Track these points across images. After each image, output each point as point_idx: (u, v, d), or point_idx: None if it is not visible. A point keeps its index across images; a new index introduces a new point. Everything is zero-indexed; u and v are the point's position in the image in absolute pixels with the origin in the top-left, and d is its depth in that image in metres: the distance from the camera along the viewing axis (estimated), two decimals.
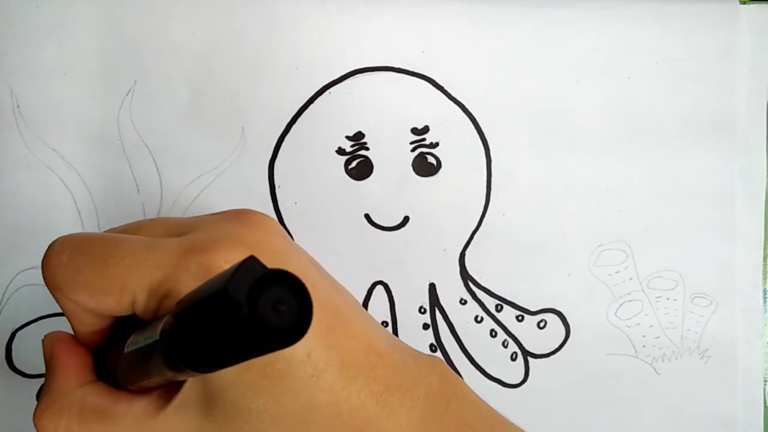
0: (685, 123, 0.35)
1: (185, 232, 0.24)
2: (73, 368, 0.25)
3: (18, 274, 0.34)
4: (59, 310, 0.33)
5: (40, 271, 0.33)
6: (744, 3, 0.35)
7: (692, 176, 0.35)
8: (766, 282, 0.36)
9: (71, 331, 0.26)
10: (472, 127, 0.35)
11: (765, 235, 0.36)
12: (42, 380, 0.33)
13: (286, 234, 0.26)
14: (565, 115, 0.35)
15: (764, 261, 0.36)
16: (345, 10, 0.35)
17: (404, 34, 0.35)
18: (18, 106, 0.34)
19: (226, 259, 0.22)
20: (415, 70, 0.35)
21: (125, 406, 0.23)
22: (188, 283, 0.21)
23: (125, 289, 0.22)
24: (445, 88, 0.35)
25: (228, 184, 0.35)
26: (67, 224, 0.34)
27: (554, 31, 0.35)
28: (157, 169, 0.34)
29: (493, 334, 0.35)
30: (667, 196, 0.35)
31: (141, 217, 0.34)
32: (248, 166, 0.35)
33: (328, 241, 0.35)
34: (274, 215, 0.35)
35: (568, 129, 0.35)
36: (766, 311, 0.36)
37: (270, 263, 0.19)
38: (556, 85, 0.35)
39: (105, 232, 0.27)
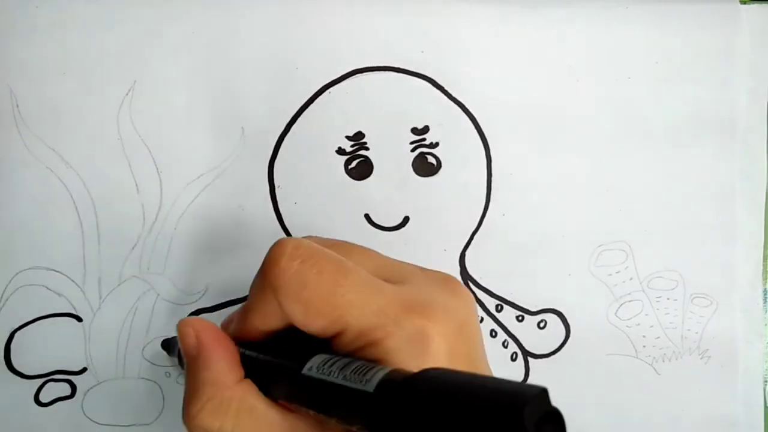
0: (685, 123, 0.35)
1: (394, 277, 0.25)
2: (229, 361, 0.24)
3: (17, 274, 0.34)
4: (59, 311, 0.34)
5: (39, 271, 0.34)
6: (744, 3, 0.35)
7: (692, 176, 0.35)
8: (766, 282, 0.36)
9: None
10: (472, 127, 0.35)
11: (765, 235, 0.36)
12: (41, 381, 0.34)
13: (478, 310, 0.27)
14: (566, 115, 0.35)
15: (764, 261, 0.36)
16: (345, 9, 0.35)
17: (404, 34, 0.35)
18: (17, 106, 0.34)
19: (439, 331, 0.22)
20: (416, 70, 0.35)
21: (279, 418, 0.23)
22: (399, 341, 0.22)
23: (340, 321, 0.23)
24: (446, 88, 0.35)
25: (228, 184, 0.34)
26: (66, 224, 0.34)
27: (554, 31, 0.35)
28: (157, 168, 0.34)
29: (493, 334, 0.35)
30: (667, 196, 0.35)
31: (140, 218, 0.34)
32: (248, 166, 0.35)
33: None
34: (273, 215, 0.35)
35: (568, 129, 0.35)
36: (766, 311, 0.36)
37: (468, 345, 0.22)
38: (557, 85, 0.35)
39: (318, 238, 0.27)
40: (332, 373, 0.21)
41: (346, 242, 0.27)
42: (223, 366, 0.24)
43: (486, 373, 0.24)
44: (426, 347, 0.22)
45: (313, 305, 0.23)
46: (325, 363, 0.22)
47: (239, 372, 0.24)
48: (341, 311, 0.23)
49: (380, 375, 0.20)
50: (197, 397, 0.24)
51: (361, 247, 0.27)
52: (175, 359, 0.32)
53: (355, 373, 0.21)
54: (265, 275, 0.24)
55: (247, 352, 0.25)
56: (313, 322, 0.23)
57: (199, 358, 0.24)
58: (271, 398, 0.24)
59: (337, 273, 0.23)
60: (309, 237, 0.28)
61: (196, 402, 0.23)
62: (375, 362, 0.22)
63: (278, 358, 0.24)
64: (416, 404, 0.18)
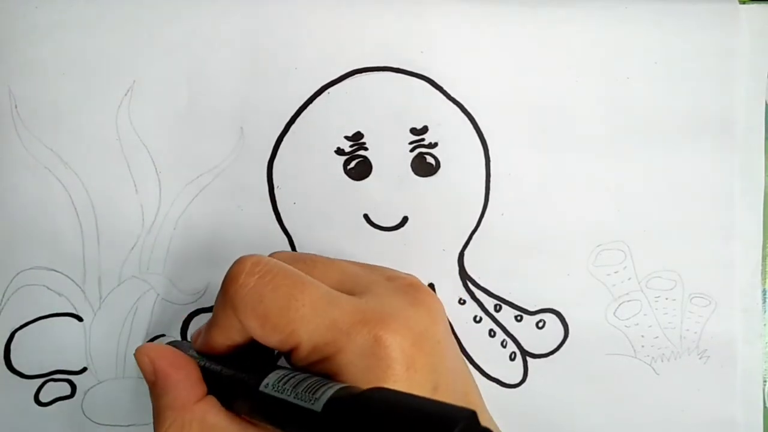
0: (684, 123, 0.35)
1: (358, 287, 0.26)
2: (188, 383, 0.25)
3: (17, 274, 0.34)
4: (59, 311, 0.34)
5: (39, 271, 0.34)
6: (744, 3, 0.35)
7: (692, 176, 0.35)
8: (765, 282, 0.36)
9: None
10: (471, 127, 0.35)
11: (764, 235, 0.36)
12: (41, 381, 0.34)
13: (446, 317, 0.27)
14: (565, 115, 0.35)
15: (763, 261, 0.36)
16: (344, 10, 0.35)
17: (403, 34, 0.35)
18: (16, 107, 0.34)
19: (393, 342, 0.23)
20: (414, 70, 0.35)
21: None
22: (351, 356, 0.23)
23: (294, 335, 0.23)
24: (444, 88, 0.35)
25: (227, 184, 0.34)
26: (66, 224, 0.34)
27: (554, 30, 0.35)
28: (156, 169, 0.34)
29: (491, 334, 0.35)
30: (666, 196, 0.35)
31: (139, 218, 0.34)
32: (247, 166, 0.35)
33: (327, 241, 0.35)
34: (273, 215, 0.35)
35: (567, 129, 0.35)
36: (765, 311, 0.36)
37: (429, 355, 0.22)
38: (556, 85, 0.35)
39: (285, 253, 0.28)
40: (285, 391, 0.22)
41: (313, 255, 0.28)
42: (180, 389, 0.25)
43: (452, 382, 0.25)
44: (379, 360, 0.23)
45: (269, 320, 0.24)
46: (281, 380, 0.23)
47: (200, 390, 0.25)
48: (295, 326, 0.23)
49: (328, 394, 0.21)
50: (160, 423, 0.24)
51: (328, 259, 0.28)
52: None
53: (306, 392, 0.21)
54: (225, 291, 0.25)
55: (212, 367, 0.26)
56: (270, 337, 0.24)
57: (156, 384, 0.25)
58: (235, 412, 0.24)
59: (293, 288, 0.24)
60: (276, 252, 0.29)
61: (160, 427, 0.24)
62: (329, 376, 0.23)
63: (240, 372, 0.25)
64: (358, 425, 0.19)
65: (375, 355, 0.23)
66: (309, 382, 0.22)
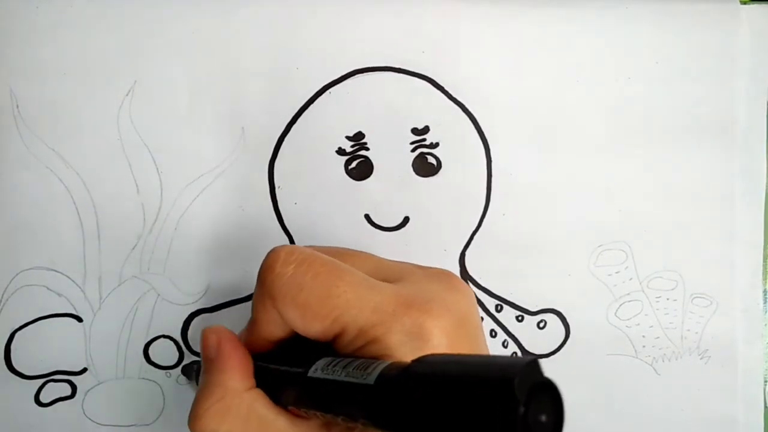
0: (685, 123, 0.35)
1: (392, 276, 0.25)
2: (243, 369, 0.25)
3: (17, 274, 0.34)
4: (59, 311, 0.34)
5: (39, 271, 0.34)
6: (744, 3, 0.35)
7: (692, 176, 0.35)
8: (765, 282, 0.36)
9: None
10: (473, 127, 0.35)
11: (765, 235, 0.36)
12: (41, 381, 0.34)
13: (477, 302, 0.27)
14: (566, 115, 0.35)
15: (764, 261, 0.36)
16: (345, 10, 0.35)
17: (405, 34, 0.35)
18: (17, 106, 0.34)
19: (438, 325, 0.23)
20: (416, 70, 0.35)
21: (287, 425, 0.23)
22: (399, 336, 0.22)
23: (339, 321, 0.23)
24: (446, 88, 0.35)
25: (228, 184, 0.34)
26: (67, 224, 0.34)
27: (554, 30, 0.35)
28: (157, 169, 0.34)
29: (492, 334, 0.35)
30: (667, 197, 0.35)
31: (140, 218, 0.34)
32: (248, 166, 0.35)
33: (328, 241, 0.35)
34: (274, 215, 0.35)
35: (568, 129, 0.35)
36: (766, 311, 0.36)
37: (469, 338, 0.22)
38: (557, 85, 0.35)
39: (308, 248, 0.27)
40: (336, 372, 0.22)
41: (343, 248, 0.28)
42: (236, 372, 0.24)
43: None
44: (426, 341, 0.22)
45: (311, 308, 0.23)
46: (329, 364, 0.22)
47: (251, 381, 0.25)
48: (339, 311, 0.23)
49: (380, 368, 0.20)
50: (207, 397, 0.24)
51: (357, 251, 0.28)
52: (194, 383, 0.32)
53: (357, 369, 0.21)
54: (263, 283, 0.24)
55: (258, 363, 0.25)
56: (312, 326, 0.23)
57: (216, 360, 0.25)
58: (281, 406, 0.24)
59: (332, 274, 0.23)
60: (308, 246, 0.28)
61: (205, 401, 0.24)
62: (377, 359, 0.22)
63: (286, 365, 0.24)
64: (413, 390, 0.18)
65: (421, 337, 0.22)
66: (359, 362, 0.21)
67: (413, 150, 0.35)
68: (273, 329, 0.25)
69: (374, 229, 0.35)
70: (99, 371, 0.34)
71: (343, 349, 0.23)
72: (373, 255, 0.28)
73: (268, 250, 0.24)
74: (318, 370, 0.22)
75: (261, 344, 0.26)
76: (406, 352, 0.22)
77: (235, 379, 0.24)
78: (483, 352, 0.25)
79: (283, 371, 0.24)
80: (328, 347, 0.24)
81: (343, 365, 0.22)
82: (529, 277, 0.35)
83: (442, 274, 0.26)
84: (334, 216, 0.35)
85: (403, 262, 0.27)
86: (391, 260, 0.27)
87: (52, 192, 0.34)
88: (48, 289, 0.34)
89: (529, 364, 0.17)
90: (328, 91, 0.35)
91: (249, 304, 0.26)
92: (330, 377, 0.22)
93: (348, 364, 0.21)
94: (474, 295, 0.26)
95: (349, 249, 0.28)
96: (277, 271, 0.24)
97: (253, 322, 0.26)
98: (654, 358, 0.36)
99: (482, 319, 0.35)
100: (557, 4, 0.35)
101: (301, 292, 0.23)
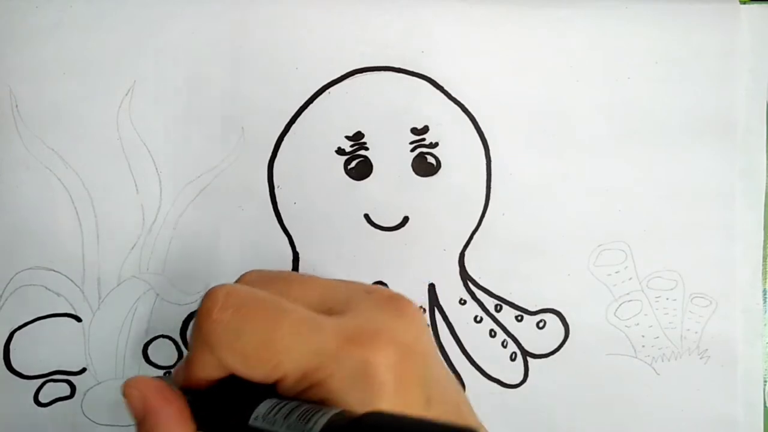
0: (684, 123, 0.35)
1: (339, 305, 0.24)
2: (180, 419, 0.24)
3: (16, 274, 0.34)
4: (58, 311, 0.34)
5: (38, 271, 0.34)
6: (744, 3, 0.35)
7: (692, 176, 0.35)
8: (765, 282, 0.36)
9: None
10: (472, 127, 0.35)
11: (765, 235, 0.36)
12: (40, 381, 0.34)
13: (428, 326, 0.26)
14: (565, 115, 0.35)
15: (764, 261, 0.36)
16: (345, 9, 0.35)
17: (404, 34, 0.35)
18: (17, 106, 0.34)
19: (383, 361, 0.22)
20: (415, 70, 0.35)
21: None
22: (342, 379, 0.22)
23: (280, 367, 0.22)
24: (445, 88, 0.35)
25: (227, 184, 0.34)
26: (66, 224, 0.34)
27: (554, 30, 0.35)
28: (156, 169, 0.34)
29: (492, 334, 0.35)
30: (667, 196, 0.35)
31: (139, 218, 0.34)
32: (247, 166, 0.34)
33: (328, 241, 0.35)
34: (273, 215, 0.35)
35: (567, 129, 0.35)
36: (765, 311, 0.36)
37: (418, 368, 0.22)
38: (556, 84, 0.35)
39: (257, 272, 0.27)
40: (277, 422, 0.21)
41: (287, 273, 0.27)
42: (173, 426, 0.23)
43: (443, 393, 0.24)
44: (370, 380, 0.22)
45: (251, 356, 0.22)
46: (271, 410, 0.22)
47: (191, 427, 0.24)
48: (279, 357, 0.22)
49: (322, 421, 0.20)
50: None
51: (304, 276, 0.27)
52: None
53: (299, 420, 0.21)
54: (200, 329, 0.23)
55: (198, 402, 0.24)
56: (253, 372, 0.23)
57: (147, 420, 0.24)
58: None
59: (271, 318, 0.23)
60: (248, 272, 0.27)
61: None
62: (321, 403, 0.22)
63: (228, 406, 0.24)
64: None
65: (365, 375, 0.22)
66: (301, 410, 0.21)
67: (413, 150, 0.35)
68: (211, 371, 0.24)
69: (374, 228, 0.35)
70: (98, 371, 0.34)
71: (287, 392, 0.23)
72: (319, 279, 0.27)
73: (210, 288, 0.24)
74: (259, 417, 0.22)
75: (200, 383, 0.25)
76: (348, 396, 0.22)
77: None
78: (438, 379, 0.24)
79: (225, 414, 0.23)
80: (273, 386, 0.23)
81: (284, 414, 0.21)
82: (529, 277, 0.35)
83: (390, 300, 0.25)
84: (334, 216, 0.35)
85: (352, 285, 0.27)
86: (340, 282, 0.27)
87: (52, 192, 0.34)
88: (47, 289, 0.34)
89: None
90: (327, 91, 0.35)
91: None
92: (270, 429, 0.21)
93: (290, 413, 0.21)
94: (423, 319, 0.25)
95: (294, 274, 0.28)
96: (214, 317, 0.23)
97: (191, 362, 0.24)
98: (653, 358, 0.36)
99: (481, 319, 0.35)
100: (557, 4, 0.35)
101: (239, 340, 0.22)
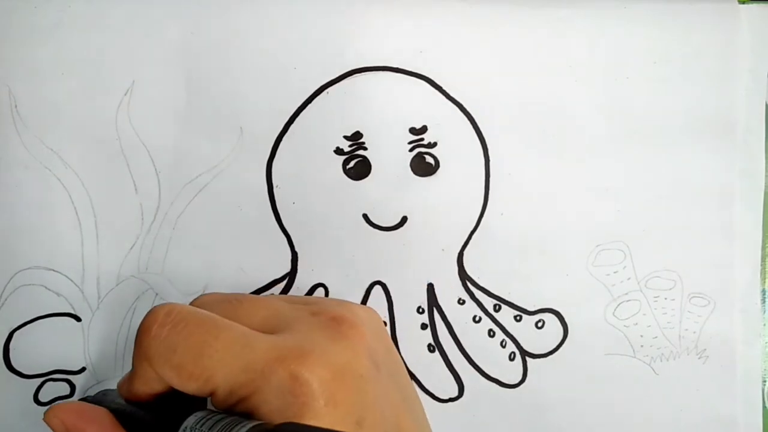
0: (683, 123, 0.35)
1: (282, 325, 0.26)
2: None
3: (16, 274, 0.34)
4: (57, 310, 0.34)
5: (38, 270, 0.34)
6: (743, 3, 0.35)
7: (691, 176, 0.35)
8: (764, 282, 0.36)
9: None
10: (471, 127, 0.35)
11: (764, 235, 0.36)
12: (40, 380, 0.34)
13: (377, 347, 0.27)
14: (564, 115, 0.35)
15: (763, 261, 0.36)
16: (343, 9, 0.35)
17: (402, 34, 0.35)
18: (16, 106, 0.34)
19: (315, 377, 0.23)
20: (414, 70, 0.35)
21: None
22: (266, 396, 0.23)
23: (211, 381, 0.24)
24: (444, 87, 0.35)
25: (226, 184, 0.34)
26: (65, 224, 0.34)
27: (553, 30, 0.35)
28: (155, 168, 0.34)
29: (491, 334, 0.35)
30: (666, 196, 0.35)
31: (138, 218, 0.34)
32: (246, 166, 0.35)
33: (327, 241, 0.35)
34: (272, 215, 0.35)
35: (566, 129, 0.35)
36: (764, 311, 0.36)
37: (351, 389, 0.22)
38: (555, 84, 0.35)
39: (211, 295, 0.28)
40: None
41: (239, 295, 0.29)
42: None
43: (380, 416, 0.25)
44: (296, 396, 0.23)
45: (184, 369, 0.24)
46: (199, 422, 0.23)
47: None
48: (210, 372, 0.24)
49: (242, 431, 0.21)
50: None
51: (255, 297, 0.28)
52: None
53: (223, 430, 0.22)
54: (140, 345, 0.25)
55: (136, 413, 0.26)
56: (187, 385, 0.24)
57: None
58: None
59: (206, 334, 0.24)
60: (204, 295, 0.29)
61: None
62: (249, 416, 0.23)
63: (161, 418, 0.25)
64: None
65: (292, 392, 0.23)
66: (225, 422, 0.22)
67: (411, 149, 0.35)
68: (152, 385, 0.25)
69: (372, 228, 0.35)
70: (97, 370, 0.34)
71: (219, 405, 0.24)
72: (274, 299, 0.29)
73: (154, 306, 0.25)
74: (187, 428, 0.23)
75: (141, 396, 0.26)
76: (274, 411, 0.23)
77: None
78: (368, 403, 0.25)
79: (158, 425, 0.25)
80: (206, 400, 0.25)
81: (210, 425, 0.22)
82: (528, 277, 0.35)
83: (331, 322, 0.26)
84: (332, 216, 0.35)
85: (302, 305, 0.28)
86: (290, 303, 0.28)
87: (51, 192, 0.34)
88: (46, 288, 0.34)
89: None
90: (326, 91, 0.35)
91: None
92: None
93: (214, 425, 0.22)
94: (365, 343, 0.26)
95: (247, 296, 0.29)
96: (153, 333, 0.24)
97: (132, 376, 0.26)
98: (652, 357, 0.36)
99: (480, 319, 0.35)
100: (555, 4, 0.35)
101: (175, 354, 0.24)
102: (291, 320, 0.26)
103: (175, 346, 0.24)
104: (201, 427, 0.23)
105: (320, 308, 0.27)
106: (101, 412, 0.26)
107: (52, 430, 0.26)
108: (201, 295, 0.29)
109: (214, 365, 0.24)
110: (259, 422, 0.22)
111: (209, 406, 0.25)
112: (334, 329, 0.26)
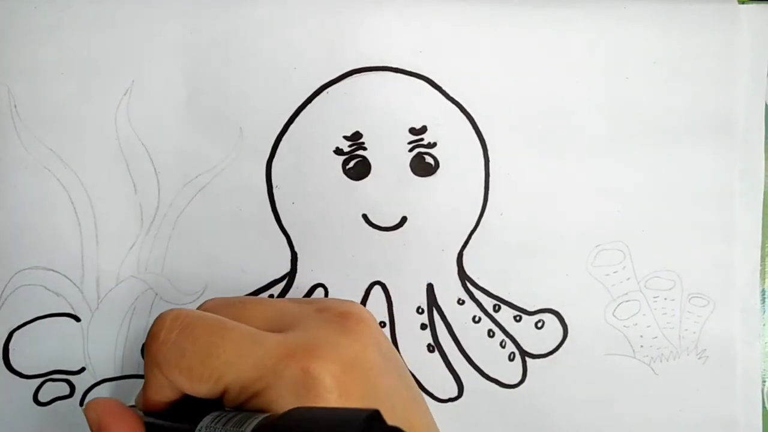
0: (683, 123, 0.35)
1: (289, 324, 0.26)
2: None
3: (15, 274, 0.34)
4: (57, 311, 0.34)
5: (37, 271, 0.34)
6: (743, 3, 0.35)
7: (691, 176, 0.35)
8: (764, 282, 0.36)
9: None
10: (470, 127, 0.35)
11: (763, 235, 0.36)
12: (40, 380, 0.34)
13: (383, 342, 0.27)
14: (564, 115, 0.35)
15: (762, 261, 0.36)
16: (343, 10, 0.35)
17: (402, 34, 0.35)
18: (15, 106, 0.34)
19: (326, 370, 0.23)
20: (413, 70, 0.35)
21: None
22: (279, 390, 0.23)
23: (221, 381, 0.24)
24: (443, 88, 0.35)
25: (226, 184, 0.34)
26: (64, 224, 0.34)
27: (553, 30, 0.35)
28: (155, 168, 0.34)
29: (490, 334, 0.35)
30: (666, 197, 0.35)
31: (138, 218, 0.34)
32: (246, 166, 0.35)
33: (326, 241, 0.35)
34: (271, 215, 0.35)
35: (566, 129, 0.35)
36: (764, 311, 0.36)
37: (362, 382, 0.22)
38: (555, 84, 0.35)
39: (216, 300, 0.29)
40: (217, 429, 0.23)
41: (244, 298, 0.29)
42: None
43: (391, 408, 0.25)
44: (309, 389, 0.23)
45: (194, 371, 0.24)
46: (214, 420, 0.23)
47: None
48: (220, 372, 0.24)
49: (253, 423, 0.21)
50: None
51: (259, 299, 0.29)
52: None
53: (234, 426, 0.22)
54: (149, 352, 0.25)
55: (155, 422, 0.26)
56: (198, 387, 0.24)
57: None
58: None
59: (213, 336, 0.24)
60: (208, 300, 0.29)
61: None
62: (261, 412, 0.23)
63: (178, 422, 0.25)
64: None
65: (305, 386, 0.23)
66: (239, 417, 0.23)
67: (411, 150, 0.35)
68: (165, 392, 0.26)
69: (372, 228, 0.35)
70: (97, 370, 0.34)
71: (231, 404, 0.24)
72: (278, 300, 0.29)
73: (161, 313, 0.25)
74: (203, 428, 0.23)
75: (156, 405, 0.26)
76: (290, 402, 0.23)
77: None
78: (380, 395, 0.25)
79: (174, 429, 0.25)
80: (219, 402, 0.25)
81: (224, 421, 0.23)
82: (527, 277, 0.35)
83: (340, 316, 0.26)
84: (332, 216, 0.35)
85: (307, 304, 0.28)
86: (295, 303, 0.28)
87: (50, 192, 0.34)
88: (46, 288, 0.34)
89: (370, 415, 0.18)
90: (325, 91, 0.35)
91: None
92: None
93: (228, 420, 0.23)
94: (372, 336, 0.26)
95: (252, 298, 0.29)
96: (161, 339, 0.25)
97: (146, 386, 0.26)
98: (652, 358, 0.35)
99: (480, 319, 0.35)
100: (555, 4, 0.35)
101: (184, 357, 0.24)
102: (297, 318, 0.26)
103: (183, 350, 0.24)
104: (215, 424, 0.23)
105: (326, 305, 0.28)
106: (135, 417, 0.26)
107: (88, 421, 0.26)
108: (205, 301, 0.29)
109: (223, 365, 0.24)
110: (273, 413, 0.22)
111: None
112: (342, 324, 0.26)
